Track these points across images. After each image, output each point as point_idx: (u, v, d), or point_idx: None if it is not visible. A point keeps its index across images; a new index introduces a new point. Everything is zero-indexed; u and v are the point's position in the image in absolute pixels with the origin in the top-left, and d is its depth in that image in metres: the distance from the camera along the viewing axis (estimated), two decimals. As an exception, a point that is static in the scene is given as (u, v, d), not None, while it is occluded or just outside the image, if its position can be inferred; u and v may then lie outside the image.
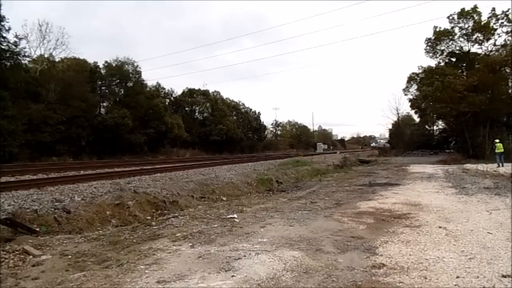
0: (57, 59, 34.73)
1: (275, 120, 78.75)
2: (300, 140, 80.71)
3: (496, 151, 20.23)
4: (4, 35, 24.46)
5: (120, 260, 4.47)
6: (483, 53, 32.09)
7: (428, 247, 4.98)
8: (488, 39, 31.27)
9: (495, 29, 30.60)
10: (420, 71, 34.94)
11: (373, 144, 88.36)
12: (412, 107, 39.58)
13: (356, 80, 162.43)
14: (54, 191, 8.56)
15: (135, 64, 38.80)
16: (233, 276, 3.85)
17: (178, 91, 51.28)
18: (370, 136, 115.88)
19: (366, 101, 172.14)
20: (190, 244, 5.24)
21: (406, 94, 38.14)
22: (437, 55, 34.07)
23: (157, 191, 9.43)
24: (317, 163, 23.25)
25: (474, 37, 31.64)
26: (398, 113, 49.14)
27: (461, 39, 32.42)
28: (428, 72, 33.11)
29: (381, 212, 7.76)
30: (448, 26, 32.43)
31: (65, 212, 6.85)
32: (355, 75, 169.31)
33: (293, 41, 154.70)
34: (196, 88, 52.48)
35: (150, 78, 72.17)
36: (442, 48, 33.47)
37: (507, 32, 30.33)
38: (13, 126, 22.91)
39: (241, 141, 54.32)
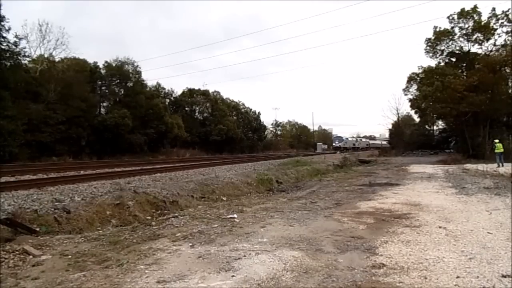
0: (57, 59, 34.70)
1: (275, 120, 78.87)
2: (300, 140, 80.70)
3: (496, 151, 20.25)
4: (4, 35, 24.52)
5: (120, 260, 4.47)
6: (483, 53, 32.10)
7: (428, 247, 4.98)
8: (488, 39, 31.28)
9: (495, 29, 30.62)
10: (420, 71, 34.96)
11: (336, 144, 63.87)
12: (412, 107, 39.64)
13: (356, 80, 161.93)
14: (54, 191, 8.56)
15: (135, 64, 38.91)
16: (233, 276, 3.85)
17: (178, 91, 51.41)
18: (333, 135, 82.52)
19: (366, 101, 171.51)
20: (190, 244, 5.24)
21: (406, 94, 38.22)
22: (437, 55, 34.10)
23: (157, 191, 9.43)
24: (317, 163, 23.25)
25: (474, 37, 31.65)
26: (398, 113, 49.11)
27: (461, 39, 32.46)
28: (428, 72, 33.11)
29: (381, 212, 7.76)
30: (448, 26, 32.49)
31: (65, 212, 6.85)
32: (355, 75, 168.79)
33: (292, 41, 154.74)
34: (196, 88, 52.64)
35: (150, 78, 71.95)
36: (442, 48, 33.49)
37: (507, 32, 30.36)
38: (13, 126, 22.92)
39: (241, 141, 54.31)
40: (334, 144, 64.99)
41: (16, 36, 26.11)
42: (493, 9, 30.48)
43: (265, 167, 18.34)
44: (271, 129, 76.43)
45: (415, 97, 36.48)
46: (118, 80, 37.81)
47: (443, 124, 47.81)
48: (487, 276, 3.80)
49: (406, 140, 51.35)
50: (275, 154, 41.03)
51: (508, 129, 33.57)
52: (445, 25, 32.84)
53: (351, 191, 11.57)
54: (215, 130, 47.79)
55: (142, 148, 35.38)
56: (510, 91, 33.53)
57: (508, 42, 30.33)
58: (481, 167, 18.45)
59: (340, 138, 66.12)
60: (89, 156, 28.84)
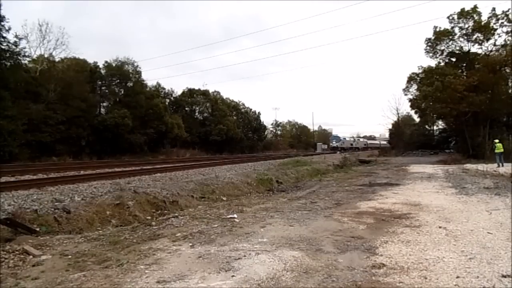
0: (57, 59, 34.74)
1: (275, 120, 78.94)
2: (300, 140, 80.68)
3: (496, 151, 20.24)
4: (4, 35, 24.59)
5: (120, 260, 4.47)
6: (483, 53, 32.10)
7: (428, 247, 4.98)
8: (488, 39, 31.28)
9: (495, 29, 30.61)
10: (420, 71, 34.96)
11: (333, 144, 61.36)
12: (412, 107, 39.59)
13: (356, 80, 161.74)
14: (54, 191, 8.57)
15: (135, 64, 38.95)
16: (233, 276, 3.85)
17: (178, 91, 51.48)
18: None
19: (366, 101, 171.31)
20: (190, 244, 5.24)
21: (406, 94, 38.20)
22: (437, 55, 34.11)
23: (157, 191, 9.43)
24: (317, 163, 23.24)
25: (474, 37, 31.66)
26: (398, 113, 49.07)
27: (461, 39, 32.47)
28: (428, 72, 33.12)
29: (381, 212, 7.76)
30: (448, 26, 32.50)
31: (65, 212, 6.85)
32: (355, 75, 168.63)
33: (292, 41, 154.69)
34: (196, 88, 52.69)
35: (150, 78, 72.09)
36: (442, 48, 33.50)
37: (507, 32, 30.36)
38: (13, 126, 22.94)
39: (241, 141, 54.32)
40: (331, 144, 63.32)
41: (16, 36, 26.24)
42: (493, 9, 30.55)
43: (265, 167, 18.34)
44: (271, 129, 76.60)
45: (415, 97, 36.48)
46: (118, 80, 37.83)
47: (443, 124, 47.82)
48: (487, 276, 3.80)
49: (406, 140, 51.32)
50: (275, 154, 41.04)
51: (508, 129, 33.59)
52: (445, 25, 32.92)
53: (351, 191, 11.57)
54: (215, 130, 47.80)
55: (142, 148, 35.40)
56: (510, 91, 33.57)
57: (508, 42, 30.36)
58: (481, 167, 18.44)
59: (337, 138, 64.64)
60: (89, 156, 28.86)
